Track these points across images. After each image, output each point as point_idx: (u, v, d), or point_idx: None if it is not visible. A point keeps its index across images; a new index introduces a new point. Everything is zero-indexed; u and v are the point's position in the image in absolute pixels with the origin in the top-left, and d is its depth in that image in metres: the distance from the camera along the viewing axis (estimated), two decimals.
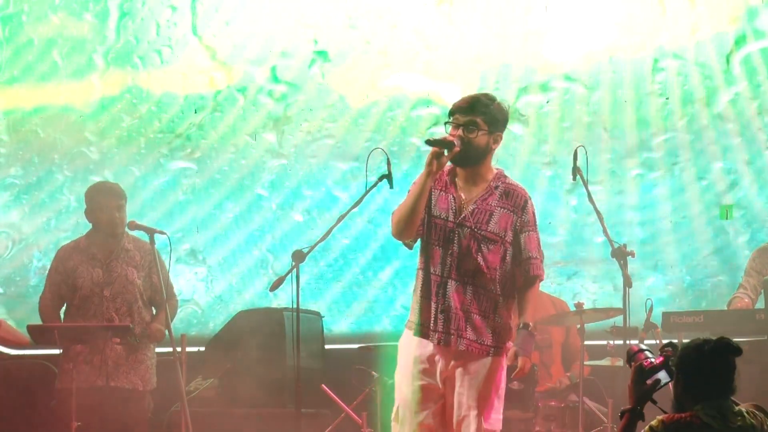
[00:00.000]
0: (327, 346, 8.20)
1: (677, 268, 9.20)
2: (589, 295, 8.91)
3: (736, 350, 4.11)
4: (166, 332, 6.89)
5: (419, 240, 5.40)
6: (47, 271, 7.36)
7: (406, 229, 5.28)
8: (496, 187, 5.35)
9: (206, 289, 8.89)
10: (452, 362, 5.28)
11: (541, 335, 7.46)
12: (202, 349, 7.94)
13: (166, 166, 8.89)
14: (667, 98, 9.25)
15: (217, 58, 8.95)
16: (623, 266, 6.23)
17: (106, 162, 8.77)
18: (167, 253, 6.94)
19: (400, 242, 5.41)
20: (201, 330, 8.74)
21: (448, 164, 5.32)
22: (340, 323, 8.96)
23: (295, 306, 6.36)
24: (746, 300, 7.38)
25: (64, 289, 7.15)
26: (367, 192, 6.49)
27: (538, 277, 5.38)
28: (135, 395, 7.09)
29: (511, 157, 9.13)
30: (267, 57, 8.98)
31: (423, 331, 5.31)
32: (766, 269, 7.52)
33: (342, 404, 7.39)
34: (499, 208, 5.32)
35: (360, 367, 7.51)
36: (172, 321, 7.07)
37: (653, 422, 4.04)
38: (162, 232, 6.88)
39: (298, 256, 6.44)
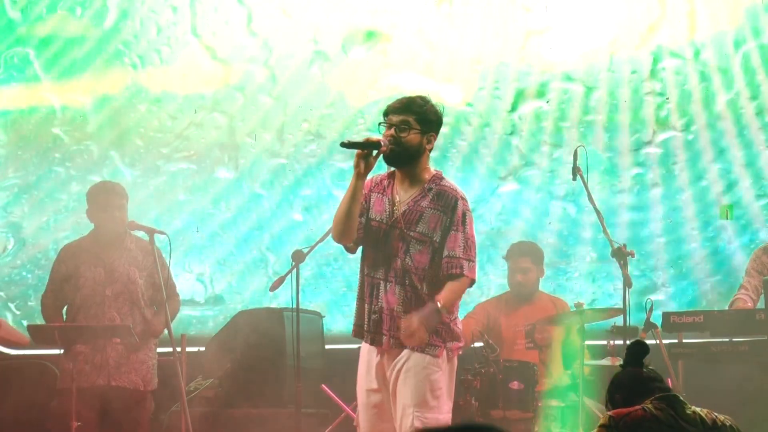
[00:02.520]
0: (327, 346, 8.19)
1: (676, 267, 9.20)
2: (589, 295, 8.91)
3: (643, 347, 4.26)
4: (166, 332, 6.89)
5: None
6: (49, 271, 7.35)
7: (344, 232, 5.35)
8: (430, 189, 5.41)
9: (206, 289, 8.89)
10: (389, 362, 5.36)
11: (540, 335, 7.46)
12: (202, 349, 7.94)
13: (165, 166, 8.88)
14: (666, 98, 9.26)
15: (216, 58, 8.94)
16: (623, 266, 6.24)
17: (105, 161, 8.77)
18: (167, 253, 6.94)
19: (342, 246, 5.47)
20: (201, 330, 8.74)
21: (391, 168, 5.41)
22: (340, 323, 8.96)
23: (295, 306, 6.37)
24: (748, 302, 7.38)
25: (66, 288, 7.14)
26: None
27: (455, 276, 5.35)
28: (136, 395, 7.08)
29: (511, 156, 9.14)
30: (266, 56, 8.98)
31: (359, 332, 5.45)
32: (767, 269, 7.51)
33: (342, 404, 7.39)
34: (429, 209, 5.36)
35: None
36: (173, 320, 7.07)
37: (602, 420, 4.14)
38: (162, 232, 6.88)
39: (298, 256, 6.47)
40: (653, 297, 7.44)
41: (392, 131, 5.34)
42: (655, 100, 9.25)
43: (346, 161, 9.02)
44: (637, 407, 4.10)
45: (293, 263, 6.54)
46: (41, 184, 8.71)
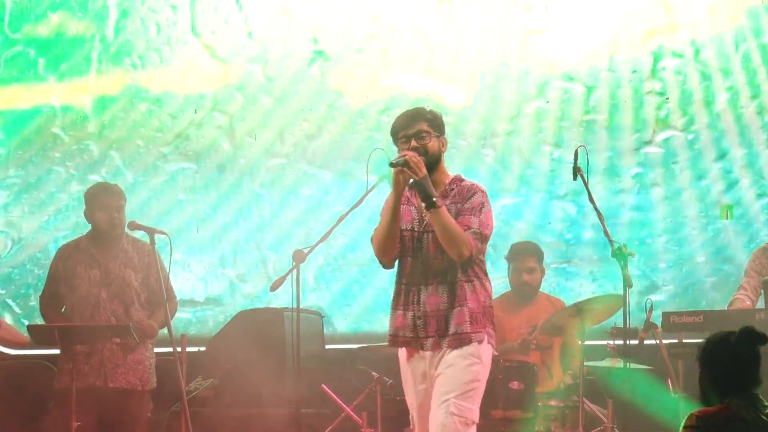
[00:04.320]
0: (327, 346, 8.20)
1: (676, 267, 9.20)
2: (589, 295, 8.90)
3: (761, 338, 4.06)
4: (166, 331, 6.88)
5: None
6: (47, 271, 7.35)
7: (388, 248, 5.46)
8: (451, 190, 5.51)
9: (205, 288, 8.89)
10: (434, 361, 5.41)
11: (541, 336, 7.46)
12: (202, 349, 7.94)
13: (165, 166, 8.88)
14: (666, 98, 9.25)
15: (216, 57, 8.94)
16: (623, 266, 6.22)
17: (105, 161, 8.77)
18: (167, 253, 6.93)
19: (381, 262, 5.53)
20: (201, 330, 8.74)
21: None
22: (340, 323, 8.96)
23: (295, 306, 6.36)
24: (747, 302, 7.37)
25: (63, 288, 7.14)
26: (367, 192, 6.49)
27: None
28: (134, 395, 7.08)
29: (511, 156, 9.14)
30: (266, 56, 8.98)
31: (402, 340, 5.48)
32: (766, 270, 7.51)
33: (342, 404, 7.39)
34: (452, 206, 5.44)
35: (360, 367, 7.52)
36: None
37: (685, 420, 4.01)
38: (162, 232, 6.87)
39: (298, 256, 6.44)
40: (653, 297, 7.45)
41: (413, 143, 5.43)
42: (655, 99, 9.25)
43: (346, 161, 9.03)
44: (722, 406, 4.01)
45: (293, 263, 6.53)
46: (41, 184, 8.71)
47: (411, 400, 5.54)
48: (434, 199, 5.32)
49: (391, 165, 5.37)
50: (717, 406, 4.01)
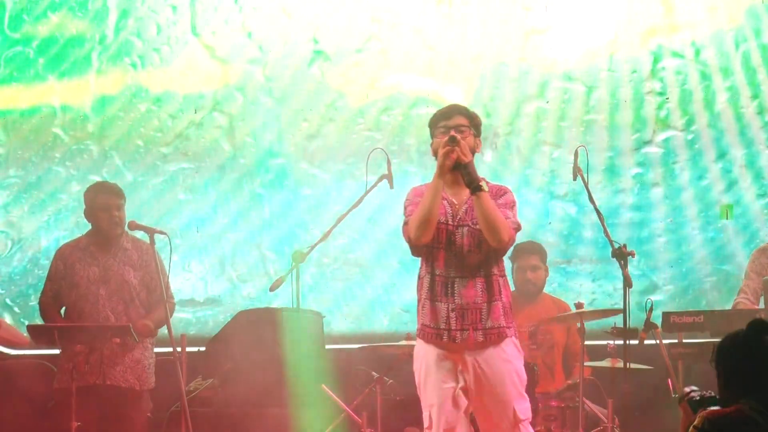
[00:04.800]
0: (327, 346, 8.19)
1: (676, 267, 9.20)
2: (589, 295, 8.91)
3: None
4: (166, 332, 6.88)
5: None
6: (47, 271, 7.35)
7: (427, 230, 5.45)
8: None
9: (205, 288, 8.89)
10: (473, 357, 5.44)
11: (543, 336, 7.46)
12: (202, 349, 7.94)
13: (165, 166, 8.88)
14: (666, 98, 9.25)
15: (216, 57, 8.94)
16: (623, 266, 6.22)
17: (105, 161, 8.77)
18: (167, 252, 6.93)
19: (413, 246, 5.52)
20: (201, 330, 8.74)
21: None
22: (340, 323, 8.96)
23: (295, 306, 6.37)
24: (749, 306, 7.36)
25: (63, 287, 7.15)
26: (367, 192, 6.52)
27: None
28: (132, 394, 7.09)
29: (511, 156, 9.13)
30: (266, 56, 8.97)
31: (438, 333, 5.46)
32: (766, 270, 7.50)
33: (342, 404, 7.38)
34: None
35: (360, 367, 7.52)
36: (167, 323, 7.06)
37: (696, 421, 3.89)
38: (162, 232, 6.87)
39: (298, 257, 6.45)
40: (653, 297, 7.44)
41: (452, 133, 5.48)
42: (655, 99, 9.25)
43: (346, 161, 9.02)
44: (734, 407, 3.87)
45: (293, 263, 6.53)
46: (41, 184, 8.71)
47: (431, 398, 5.48)
48: (480, 183, 5.39)
49: (446, 142, 5.41)
50: (729, 407, 3.88)
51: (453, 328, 5.43)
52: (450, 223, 5.52)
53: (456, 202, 5.54)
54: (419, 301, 5.56)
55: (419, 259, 5.61)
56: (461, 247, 5.48)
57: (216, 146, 8.94)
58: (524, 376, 5.53)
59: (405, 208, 5.58)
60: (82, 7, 8.76)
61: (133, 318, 7.06)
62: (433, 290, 5.50)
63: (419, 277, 5.59)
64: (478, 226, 5.47)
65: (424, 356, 5.51)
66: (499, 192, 5.62)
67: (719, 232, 9.22)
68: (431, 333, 5.49)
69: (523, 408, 5.45)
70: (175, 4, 8.88)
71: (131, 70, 8.83)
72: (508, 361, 5.45)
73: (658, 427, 7.24)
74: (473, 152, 5.54)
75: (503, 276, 5.56)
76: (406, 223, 5.52)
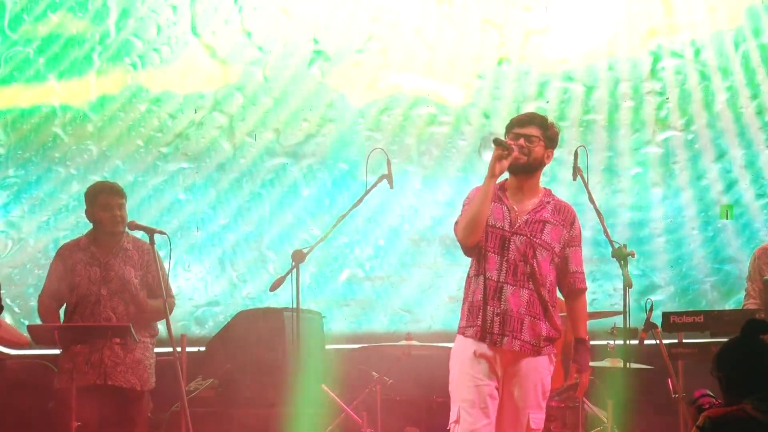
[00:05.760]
0: (327, 346, 8.19)
1: (676, 267, 9.20)
2: (589, 295, 8.89)
3: (766, 326, 3.97)
4: (166, 332, 6.88)
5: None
6: (47, 270, 7.35)
7: (474, 232, 5.51)
8: (548, 203, 5.63)
9: (205, 288, 8.89)
10: (506, 362, 5.51)
11: None
12: (202, 349, 7.94)
13: (165, 165, 8.88)
14: (666, 98, 9.25)
15: (216, 57, 8.94)
16: (623, 266, 6.22)
17: (105, 161, 8.77)
18: (167, 252, 6.93)
19: (462, 246, 5.59)
20: (201, 330, 8.75)
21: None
22: (340, 323, 8.96)
23: (295, 306, 6.36)
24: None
25: (63, 287, 7.14)
26: (367, 192, 6.52)
27: (583, 290, 5.69)
28: (133, 395, 7.08)
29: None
30: (266, 56, 8.98)
31: (480, 334, 5.52)
32: (766, 270, 7.49)
33: (342, 404, 7.39)
34: (551, 221, 5.58)
35: (360, 367, 7.52)
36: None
37: (698, 421, 3.93)
38: (162, 232, 6.86)
39: (298, 256, 6.44)
40: (653, 297, 7.44)
41: (521, 141, 5.54)
42: (655, 99, 9.26)
43: (346, 161, 9.03)
44: (736, 407, 3.91)
45: (293, 263, 6.53)
46: (41, 183, 8.71)
47: (464, 395, 5.53)
48: (587, 342, 5.72)
49: (495, 141, 5.46)
50: (731, 407, 3.91)
51: (495, 332, 5.49)
52: (507, 229, 5.55)
53: (517, 210, 5.57)
54: (465, 300, 5.62)
55: (455, 259, 5.70)
56: (515, 255, 5.52)
57: (216, 146, 8.94)
58: (548, 389, 5.59)
59: (462, 206, 5.63)
60: (82, 7, 8.77)
61: (134, 317, 7.06)
62: (482, 292, 5.54)
63: (468, 277, 5.64)
64: (537, 240, 5.52)
65: (462, 353, 5.57)
66: (568, 215, 5.64)
67: (719, 232, 9.23)
68: (473, 332, 5.54)
69: (538, 418, 5.51)
70: (175, 4, 8.88)
71: (131, 70, 8.83)
72: (536, 370, 5.52)
73: (658, 428, 7.24)
74: (541, 164, 5.60)
75: (554, 305, 5.58)
76: (457, 222, 5.59)
